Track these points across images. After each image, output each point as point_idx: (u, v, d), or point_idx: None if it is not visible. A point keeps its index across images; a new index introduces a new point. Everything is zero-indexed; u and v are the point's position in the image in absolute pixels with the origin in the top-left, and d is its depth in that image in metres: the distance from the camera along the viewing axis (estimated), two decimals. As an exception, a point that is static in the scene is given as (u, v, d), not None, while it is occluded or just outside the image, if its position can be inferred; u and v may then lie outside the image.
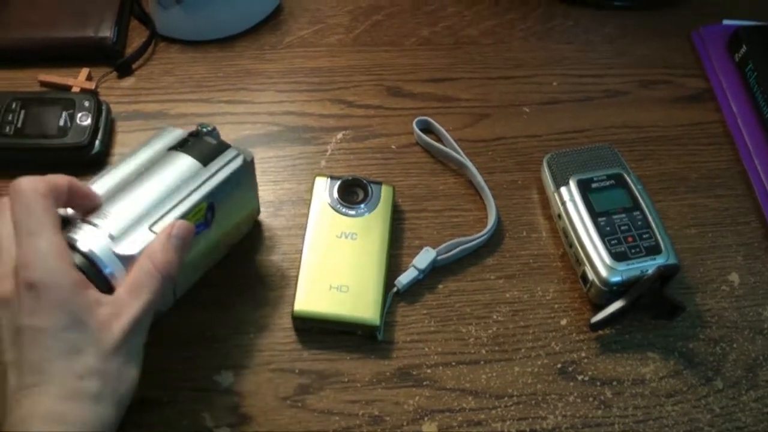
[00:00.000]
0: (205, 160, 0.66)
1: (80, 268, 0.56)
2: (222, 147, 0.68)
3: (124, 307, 0.56)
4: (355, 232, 0.74)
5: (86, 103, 0.81)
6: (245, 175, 0.69)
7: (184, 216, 0.62)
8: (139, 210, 0.61)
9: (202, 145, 0.67)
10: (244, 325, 0.72)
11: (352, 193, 0.77)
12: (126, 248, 0.59)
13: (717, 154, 0.87)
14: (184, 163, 0.65)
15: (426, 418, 0.68)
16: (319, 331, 0.72)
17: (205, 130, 0.68)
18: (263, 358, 0.70)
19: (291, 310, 0.70)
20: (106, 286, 0.58)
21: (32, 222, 0.54)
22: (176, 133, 0.69)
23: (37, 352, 0.52)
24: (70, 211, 0.60)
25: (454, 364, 0.71)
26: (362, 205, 0.76)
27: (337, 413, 0.68)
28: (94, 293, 0.55)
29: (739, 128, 0.89)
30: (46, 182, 0.56)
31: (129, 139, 0.84)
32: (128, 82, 0.89)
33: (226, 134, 0.70)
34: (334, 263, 0.72)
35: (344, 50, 0.93)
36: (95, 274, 0.57)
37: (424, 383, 0.70)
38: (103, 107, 0.82)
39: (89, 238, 0.58)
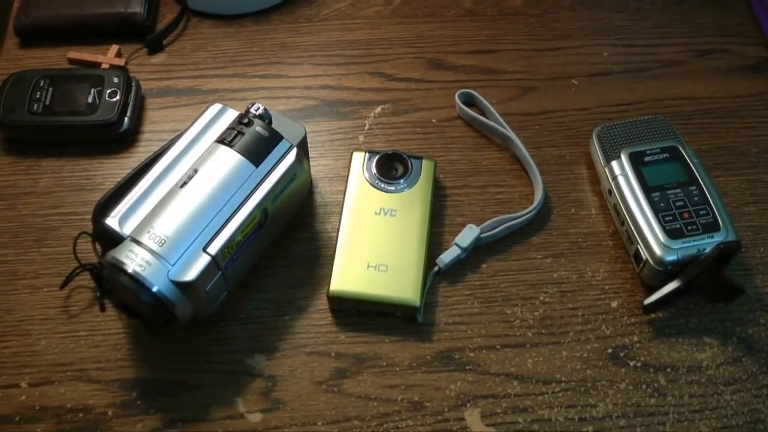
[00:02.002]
0: (257, 158, 0.65)
1: (129, 290, 0.58)
2: (273, 139, 0.66)
3: None
4: (395, 208, 0.71)
5: (115, 80, 0.79)
6: (298, 164, 0.67)
7: (238, 231, 0.62)
8: (190, 226, 0.61)
9: (252, 138, 0.65)
10: (278, 306, 0.70)
11: (391, 168, 0.74)
12: (182, 275, 0.59)
13: (779, 127, 0.83)
14: (234, 162, 0.64)
15: (468, 404, 0.65)
16: (356, 313, 0.69)
17: (254, 112, 0.66)
18: (298, 341, 0.68)
19: (327, 290, 0.68)
20: (155, 305, 0.59)
21: None
22: (225, 116, 0.68)
23: None
24: (118, 225, 0.61)
25: (498, 347, 0.68)
26: (402, 181, 0.72)
27: (375, 398, 0.65)
28: None
29: (803, 100, 0.84)
30: None
31: (159, 116, 0.82)
32: (159, 58, 0.86)
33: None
34: (371, 241, 0.69)
35: (383, 22, 0.90)
36: (146, 296, 0.59)
37: (467, 367, 0.67)
38: (133, 84, 0.80)
39: (141, 264, 0.59)
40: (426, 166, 0.74)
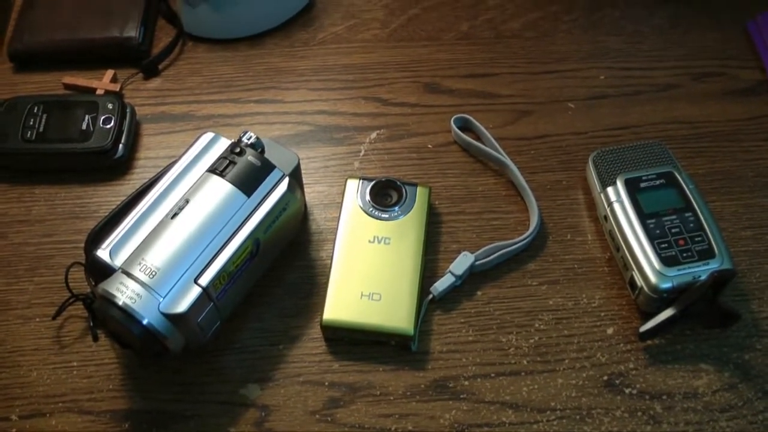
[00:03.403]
0: (249, 188, 0.64)
1: (120, 322, 0.58)
2: (265, 168, 0.66)
3: None
4: (389, 236, 0.71)
5: (110, 106, 0.79)
6: (291, 194, 0.67)
7: (230, 261, 0.62)
8: (181, 257, 0.61)
9: (244, 168, 0.65)
10: (272, 335, 0.70)
11: (385, 196, 0.73)
12: (173, 307, 0.59)
13: (776, 151, 0.83)
14: (226, 193, 0.64)
15: (463, 434, 0.65)
16: (350, 342, 0.69)
17: (247, 141, 0.66)
18: (292, 370, 0.68)
19: (320, 319, 0.67)
20: (146, 337, 0.59)
21: None
22: (217, 144, 0.68)
23: None
24: (109, 257, 0.61)
25: (493, 375, 0.67)
26: (396, 208, 0.72)
27: (368, 428, 0.65)
28: None
29: (799, 123, 0.84)
30: None
31: (154, 142, 0.82)
32: (154, 83, 0.87)
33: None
34: (365, 270, 0.69)
35: (379, 46, 0.90)
36: (137, 328, 0.59)
37: (461, 396, 0.66)
38: (128, 110, 0.80)
39: (131, 296, 0.59)
40: (421, 192, 0.73)
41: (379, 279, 0.68)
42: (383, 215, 0.72)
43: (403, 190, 0.73)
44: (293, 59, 0.88)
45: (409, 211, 0.72)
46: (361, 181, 0.74)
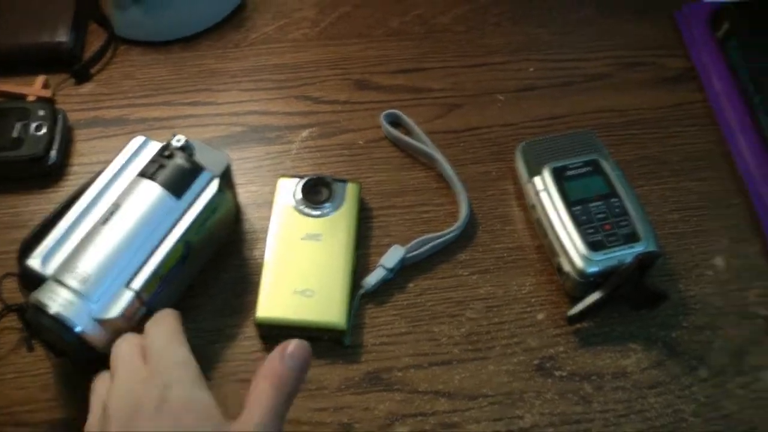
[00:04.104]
0: (178, 190, 0.64)
1: (53, 330, 0.58)
2: (195, 171, 0.66)
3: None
4: (320, 233, 0.72)
5: (41, 112, 0.78)
6: (221, 195, 0.67)
7: (161, 264, 0.62)
8: (113, 262, 0.61)
9: (173, 170, 0.65)
10: (208, 334, 0.70)
11: (316, 193, 0.74)
12: (105, 312, 0.59)
13: (700, 135, 0.84)
14: (156, 196, 0.64)
15: (397, 423, 0.66)
16: (285, 338, 0.69)
17: (176, 144, 0.66)
18: (228, 369, 0.68)
19: (254, 317, 0.68)
20: (80, 344, 0.59)
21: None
22: (147, 148, 0.68)
23: None
24: (41, 266, 0.61)
25: (426, 365, 0.69)
26: (327, 205, 0.73)
27: (305, 422, 0.66)
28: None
29: (723, 108, 0.86)
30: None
31: (87, 147, 0.82)
32: (87, 88, 0.86)
33: (189, 137, 0.68)
34: (297, 267, 0.70)
35: (310, 45, 0.90)
36: (70, 336, 0.59)
37: (395, 387, 0.68)
38: (59, 115, 0.80)
39: (63, 304, 0.59)
40: (351, 189, 0.74)
41: (312, 275, 0.69)
42: (314, 212, 0.73)
43: (333, 187, 0.74)
44: (226, 60, 0.89)
45: (339, 208, 0.73)
46: (292, 179, 0.75)
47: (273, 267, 0.70)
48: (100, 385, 0.56)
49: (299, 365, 0.55)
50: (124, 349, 0.56)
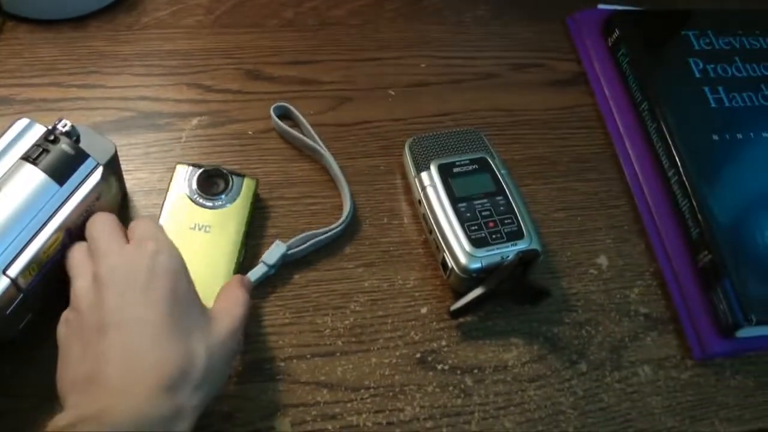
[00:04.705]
0: (61, 177, 0.62)
1: None
2: (79, 158, 0.64)
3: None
4: (210, 224, 0.71)
5: None
6: (104, 183, 0.65)
7: (40, 251, 0.60)
8: None
9: (57, 156, 0.63)
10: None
11: (213, 184, 0.73)
12: None
13: (588, 138, 0.87)
14: (38, 182, 0.61)
15: (279, 413, 0.66)
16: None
17: (62, 128, 0.64)
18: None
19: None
20: None
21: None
22: (32, 131, 0.65)
23: None
24: None
25: (309, 356, 0.69)
26: (222, 196, 0.72)
27: (184, 412, 0.64)
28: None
29: (612, 112, 0.88)
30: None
31: (-28, 128, 0.79)
32: (-28, 66, 0.83)
33: (77, 120, 0.65)
34: (183, 256, 0.68)
35: (203, 32, 0.89)
36: None
37: (277, 377, 0.67)
38: (-61, 94, 0.77)
39: None
40: (247, 183, 0.74)
41: (196, 266, 0.67)
42: (207, 203, 0.72)
43: (230, 180, 0.73)
44: (116, 43, 0.87)
45: (233, 201, 0.72)
46: (189, 167, 0.73)
47: None
48: (80, 255, 0.61)
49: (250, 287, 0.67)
50: (102, 220, 0.62)
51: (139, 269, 0.56)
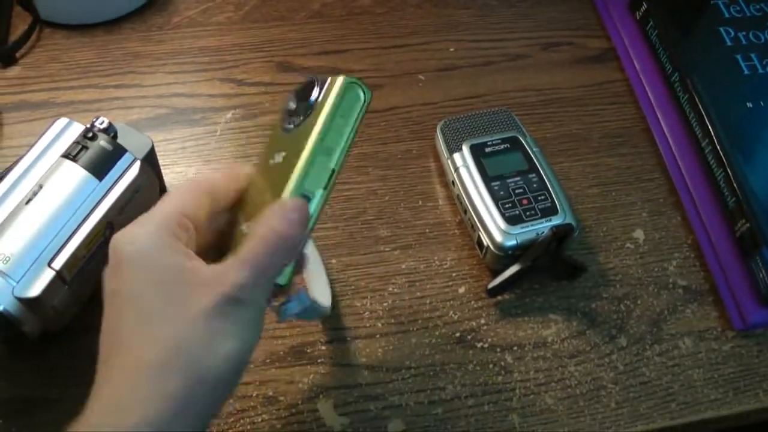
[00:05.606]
0: (100, 172, 0.64)
1: None
2: (117, 153, 0.66)
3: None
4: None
5: (-34, 98, 0.78)
6: (142, 177, 0.67)
7: (83, 244, 0.62)
8: (35, 242, 0.61)
9: (96, 152, 0.65)
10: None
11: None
12: (27, 291, 0.59)
13: (620, 113, 0.87)
14: (78, 177, 0.63)
15: (321, 396, 0.66)
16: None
17: (99, 126, 0.66)
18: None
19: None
20: (3, 322, 0.59)
21: None
22: (71, 130, 0.67)
23: None
24: None
25: (349, 339, 0.70)
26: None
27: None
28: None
29: (643, 86, 0.88)
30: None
31: (15, 131, 0.81)
32: (13, 71, 0.85)
33: (114, 119, 0.67)
34: None
35: (233, 28, 0.91)
36: None
37: (319, 360, 0.68)
38: (-16, 100, 0.79)
39: None
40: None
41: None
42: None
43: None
44: (150, 43, 0.88)
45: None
46: None
47: None
48: None
49: (299, 218, 0.48)
50: None
51: None
